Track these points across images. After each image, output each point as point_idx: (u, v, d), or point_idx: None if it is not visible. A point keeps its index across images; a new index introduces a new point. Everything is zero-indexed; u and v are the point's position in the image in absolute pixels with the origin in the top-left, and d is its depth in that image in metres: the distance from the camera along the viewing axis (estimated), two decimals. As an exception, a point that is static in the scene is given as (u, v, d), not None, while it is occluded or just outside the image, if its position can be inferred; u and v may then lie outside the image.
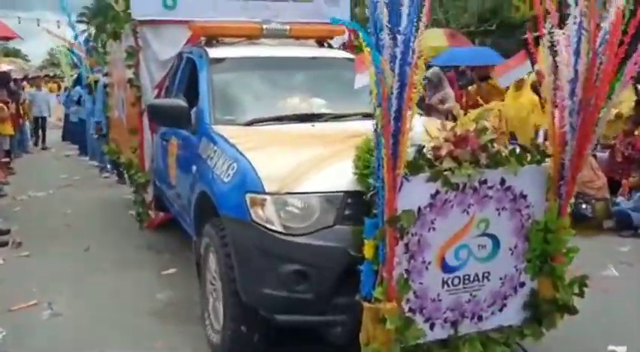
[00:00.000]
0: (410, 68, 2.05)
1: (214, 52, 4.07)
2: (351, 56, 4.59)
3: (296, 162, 2.70)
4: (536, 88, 7.29)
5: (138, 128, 4.70)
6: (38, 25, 27.53)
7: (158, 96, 4.67)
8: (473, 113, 2.49)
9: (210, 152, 3.24)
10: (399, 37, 2.00)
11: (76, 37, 10.62)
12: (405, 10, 1.97)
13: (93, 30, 37.53)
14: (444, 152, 2.37)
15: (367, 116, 3.62)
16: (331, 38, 4.70)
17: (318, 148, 2.87)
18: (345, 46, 5.06)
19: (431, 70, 7.02)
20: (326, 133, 3.21)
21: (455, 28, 15.15)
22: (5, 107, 8.70)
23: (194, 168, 3.44)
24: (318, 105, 3.77)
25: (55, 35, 11.44)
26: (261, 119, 3.50)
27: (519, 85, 7.25)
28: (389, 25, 2.00)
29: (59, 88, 18.25)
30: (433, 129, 2.51)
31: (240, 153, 2.90)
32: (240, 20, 4.63)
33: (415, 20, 1.99)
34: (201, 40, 4.35)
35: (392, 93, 2.07)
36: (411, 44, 2.02)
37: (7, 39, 9.43)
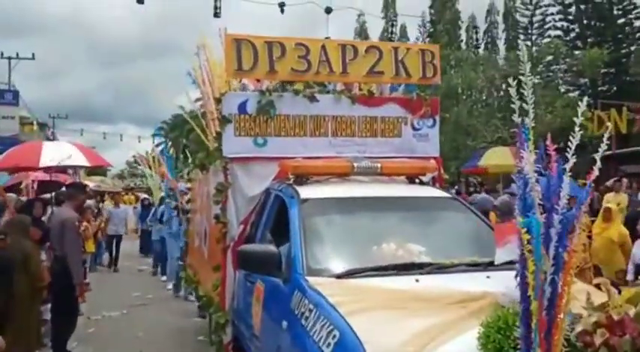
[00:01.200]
0: (567, 251, 1.74)
1: (305, 192, 3.93)
2: (447, 195, 4.35)
3: (407, 335, 2.39)
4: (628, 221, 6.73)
5: (221, 265, 4.54)
6: (121, 139, 29.92)
7: (243, 232, 4.54)
8: (628, 291, 2.10)
9: (304, 310, 2.95)
10: (556, 217, 1.71)
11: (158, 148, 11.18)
12: (563, 188, 1.70)
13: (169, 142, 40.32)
14: (597, 341, 1.97)
15: (471, 266, 3.31)
16: (424, 175, 4.50)
17: (430, 315, 2.55)
18: (434, 181, 4.84)
19: (500, 199, 6.59)
20: (434, 293, 2.85)
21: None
22: (89, 226, 9.01)
23: (284, 323, 3.15)
24: (418, 252, 3.47)
25: (151, 174, 12.62)
26: (359, 270, 3.22)
27: (607, 215, 6.72)
28: (542, 203, 1.73)
29: (137, 199, 19.09)
30: (575, 301, 2.12)
31: (342, 318, 2.61)
32: (328, 156, 4.56)
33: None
34: (290, 176, 4.26)
35: (545, 278, 1.75)
36: (569, 224, 1.73)
37: (101, 167, 10.10)
